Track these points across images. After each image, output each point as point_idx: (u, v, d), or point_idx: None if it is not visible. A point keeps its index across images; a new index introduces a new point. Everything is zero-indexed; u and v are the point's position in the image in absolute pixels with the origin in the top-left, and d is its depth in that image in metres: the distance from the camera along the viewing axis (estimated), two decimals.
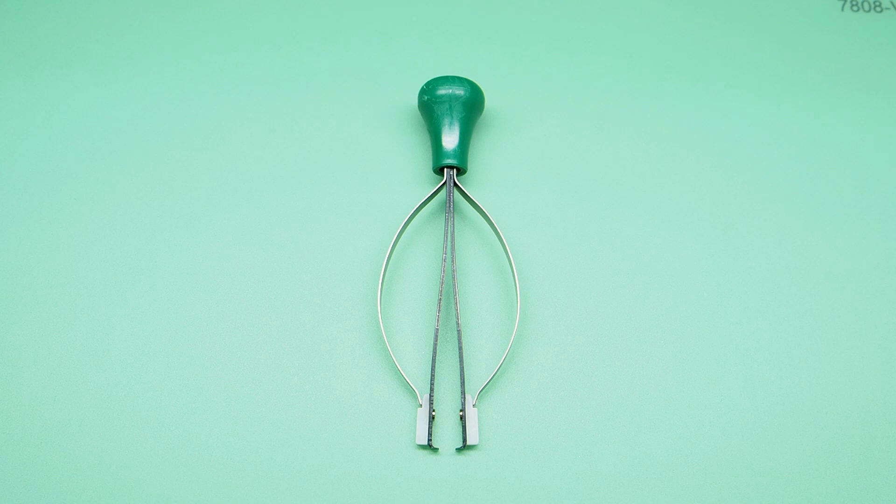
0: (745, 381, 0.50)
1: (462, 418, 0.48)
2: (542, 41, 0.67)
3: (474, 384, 0.50)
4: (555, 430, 0.48)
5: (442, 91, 0.58)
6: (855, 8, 0.70)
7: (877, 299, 0.54)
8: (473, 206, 0.55)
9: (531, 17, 0.69)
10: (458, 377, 0.50)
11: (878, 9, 0.70)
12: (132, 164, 0.58)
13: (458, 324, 0.50)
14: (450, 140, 0.56)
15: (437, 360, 0.50)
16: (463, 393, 0.49)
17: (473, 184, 0.58)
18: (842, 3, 0.71)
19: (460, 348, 0.49)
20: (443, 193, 0.57)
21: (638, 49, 0.67)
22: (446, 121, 0.57)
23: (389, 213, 0.56)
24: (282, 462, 0.47)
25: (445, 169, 0.56)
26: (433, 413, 0.48)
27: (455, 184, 0.56)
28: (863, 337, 0.52)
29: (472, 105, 0.58)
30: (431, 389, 0.48)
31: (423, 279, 0.54)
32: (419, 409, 0.48)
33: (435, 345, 0.50)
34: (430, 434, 0.47)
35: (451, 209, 0.54)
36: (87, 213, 0.56)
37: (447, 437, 0.48)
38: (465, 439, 0.47)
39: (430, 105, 0.58)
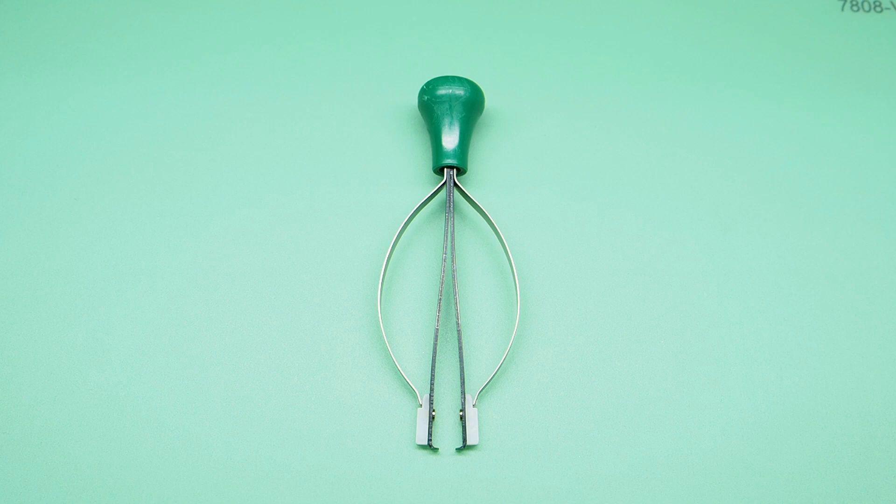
0: (745, 381, 0.50)
1: (462, 418, 0.48)
2: (542, 41, 0.67)
3: (474, 384, 0.50)
4: (555, 430, 0.48)
5: (442, 91, 0.58)
6: (855, 8, 0.70)
7: (877, 299, 0.54)
8: (473, 206, 0.55)
9: (531, 17, 0.69)
10: (458, 377, 0.50)
11: (878, 9, 0.70)
12: (132, 164, 0.58)
13: (458, 324, 0.50)
14: (450, 140, 0.56)
15: (437, 360, 0.50)
16: (463, 393, 0.49)
17: (473, 184, 0.58)
18: (842, 3, 0.71)
19: (460, 348, 0.49)
20: (443, 193, 0.57)
21: (638, 49, 0.67)
22: (446, 121, 0.57)
23: (389, 213, 0.56)
24: (282, 462, 0.47)
25: (445, 169, 0.56)
26: (433, 413, 0.48)
27: (455, 184, 0.55)
28: (863, 337, 0.52)
29: (472, 105, 0.58)
30: (431, 389, 0.48)
31: (423, 279, 0.54)
32: (419, 409, 0.48)
33: (435, 345, 0.50)
34: (430, 434, 0.47)
35: (451, 209, 0.54)
36: (87, 213, 0.56)
37: (447, 437, 0.48)
38: (465, 439, 0.47)
39: (430, 105, 0.58)
